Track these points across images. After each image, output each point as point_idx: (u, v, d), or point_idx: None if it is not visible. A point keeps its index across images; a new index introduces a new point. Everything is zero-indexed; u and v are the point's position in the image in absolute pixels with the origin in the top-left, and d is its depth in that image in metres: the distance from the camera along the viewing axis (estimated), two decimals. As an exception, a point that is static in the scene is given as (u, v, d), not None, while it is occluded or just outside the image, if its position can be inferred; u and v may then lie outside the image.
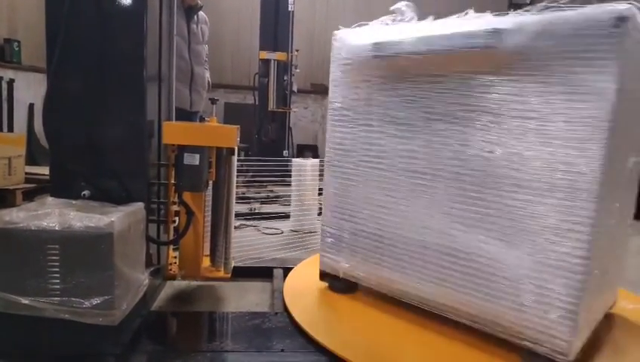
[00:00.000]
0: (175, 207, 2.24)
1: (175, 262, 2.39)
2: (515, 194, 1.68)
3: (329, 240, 2.33)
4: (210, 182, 2.27)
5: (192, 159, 2.11)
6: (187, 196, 2.20)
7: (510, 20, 1.70)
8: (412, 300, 2.06)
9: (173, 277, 2.38)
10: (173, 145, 2.14)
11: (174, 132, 2.15)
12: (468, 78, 1.80)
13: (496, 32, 1.69)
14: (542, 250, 1.63)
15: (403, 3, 2.03)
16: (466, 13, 1.85)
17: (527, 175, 1.65)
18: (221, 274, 2.37)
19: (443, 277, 1.90)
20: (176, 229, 2.30)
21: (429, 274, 1.95)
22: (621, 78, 1.48)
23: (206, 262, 2.40)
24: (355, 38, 2.14)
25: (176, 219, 2.29)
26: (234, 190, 2.38)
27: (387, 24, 2.08)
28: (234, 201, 2.40)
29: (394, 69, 2.02)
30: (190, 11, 3.81)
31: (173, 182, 2.19)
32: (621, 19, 1.46)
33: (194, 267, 2.32)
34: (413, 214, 1.98)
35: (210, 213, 2.36)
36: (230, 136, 2.21)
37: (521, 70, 1.66)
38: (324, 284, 2.43)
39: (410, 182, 1.98)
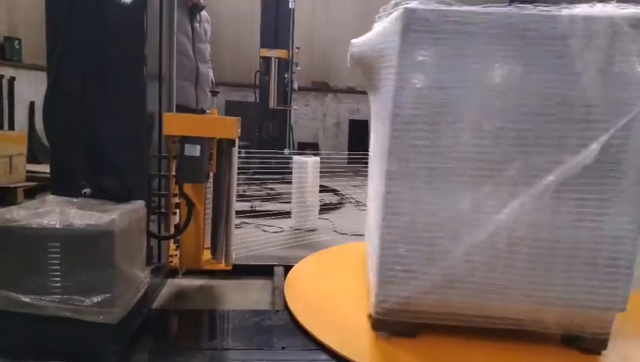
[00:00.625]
0: (176, 200, 2.24)
1: (176, 255, 2.39)
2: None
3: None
4: (211, 174, 2.27)
5: (193, 150, 2.11)
6: (188, 188, 2.20)
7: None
8: None
9: (174, 270, 2.38)
10: (174, 136, 2.14)
11: (175, 123, 2.14)
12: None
13: (352, 45, 2.13)
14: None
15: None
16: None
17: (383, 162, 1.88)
18: (222, 266, 2.37)
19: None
20: (176, 226, 2.30)
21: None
22: (408, 71, 1.67)
23: (207, 254, 2.40)
24: None
25: (177, 211, 2.29)
26: (234, 182, 2.38)
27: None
28: (235, 193, 2.40)
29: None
30: (193, 10, 3.81)
31: (173, 174, 2.19)
32: (404, 16, 1.65)
33: (194, 259, 2.32)
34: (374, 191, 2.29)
35: (210, 204, 2.36)
36: (230, 127, 2.21)
37: (369, 76, 2.05)
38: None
39: (375, 166, 2.26)
